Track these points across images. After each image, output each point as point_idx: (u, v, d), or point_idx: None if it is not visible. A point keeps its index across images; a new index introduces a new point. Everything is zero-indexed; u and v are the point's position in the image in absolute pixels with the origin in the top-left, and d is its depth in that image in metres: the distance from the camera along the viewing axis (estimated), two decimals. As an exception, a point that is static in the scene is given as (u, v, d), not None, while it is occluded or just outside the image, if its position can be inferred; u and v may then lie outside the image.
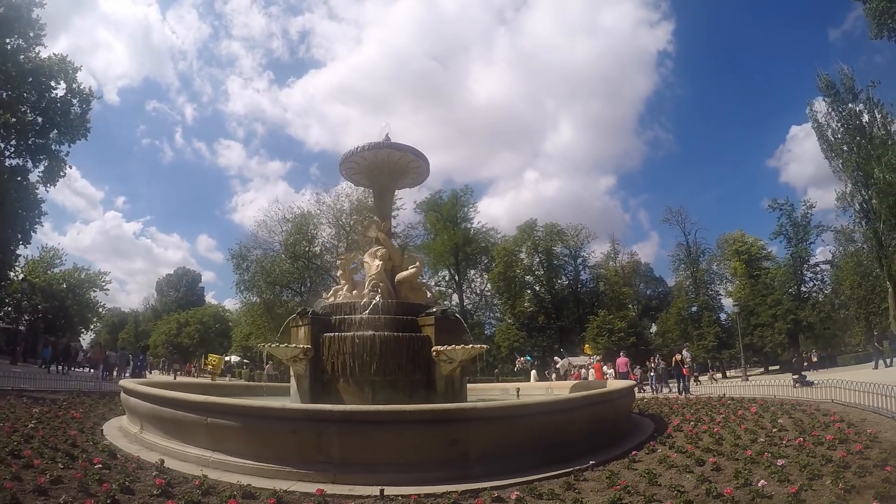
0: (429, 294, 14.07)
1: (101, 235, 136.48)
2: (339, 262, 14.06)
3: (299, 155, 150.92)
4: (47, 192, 28.70)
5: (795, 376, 21.17)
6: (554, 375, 33.31)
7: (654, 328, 59.73)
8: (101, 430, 9.43)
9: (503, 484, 6.36)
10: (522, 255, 58.47)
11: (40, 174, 27.76)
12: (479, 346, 11.23)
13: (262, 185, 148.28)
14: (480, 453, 7.09)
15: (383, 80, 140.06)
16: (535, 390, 17.23)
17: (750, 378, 31.47)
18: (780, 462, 7.02)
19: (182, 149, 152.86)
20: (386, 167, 13.60)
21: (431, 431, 7.02)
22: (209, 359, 31.05)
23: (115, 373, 26.94)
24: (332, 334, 10.71)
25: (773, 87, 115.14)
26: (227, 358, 51.92)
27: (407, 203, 49.35)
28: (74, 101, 28.06)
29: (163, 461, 6.63)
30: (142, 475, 6.29)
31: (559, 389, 16.20)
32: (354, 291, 12.99)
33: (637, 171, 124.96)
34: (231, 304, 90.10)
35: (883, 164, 35.83)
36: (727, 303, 56.02)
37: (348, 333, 10.65)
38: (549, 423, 8.06)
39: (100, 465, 6.45)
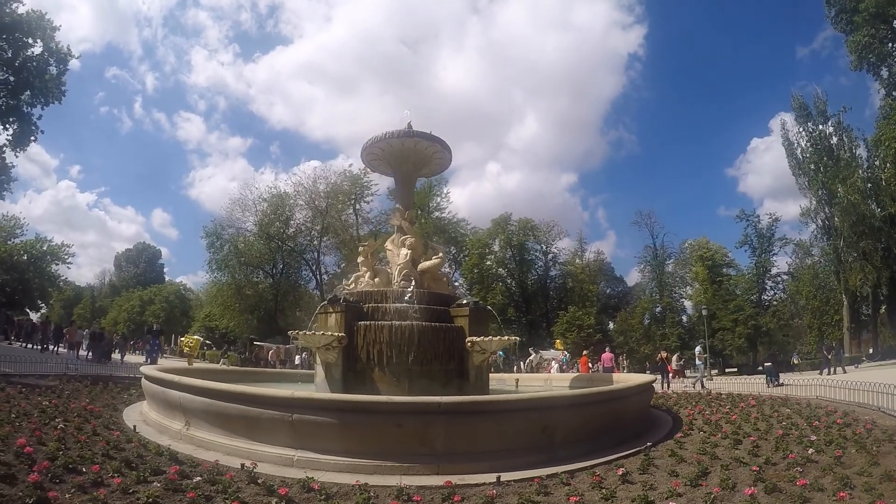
0: (449, 284, 14.12)
1: (54, 206, 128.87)
2: (361, 248, 13.89)
3: (261, 132, 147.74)
4: (16, 156, 27.16)
5: (771, 375, 22.11)
6: (515, 368, 33.58)
7: (611, 325, 61.30)
8: (133, 426, 8.37)
9: (591, 464, 6.88)
10: (496, 248, 58.93)
11: (9, 138, 26.20)
12: (512, 337, 11.54)
13: (220, 161, 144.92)
14: (563, 438, 7.55)
15: (351, 60, 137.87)
16: (533, 381, 17.54)
17: (713, 379, 32.83)
18: (812, 437, 8.24)
19: (141, 119, 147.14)
20: (412, 156, 13.51)
21: (527, 419, 7.36)
22: (185, 340, 29.56)
23: (113, 355, 25.72)
24: (367, 322, 10.66)
25: (738, 98, 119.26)
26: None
27: (381, 188, 48.70)
28: (52, 60, 26.48)
29: (255, 465, 6.05)
30: (242, 486, 5.59)
31: (558, 382, 16.62)
32: (377, 279, 12.88)
33: (598, 170, 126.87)
34: (189, 281, 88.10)
35: (848, 184, 38.07)
36: (687, 305, 58.27)
37: (385, 322, 10.62)
38: (612, 410, 8.79)
39: (196, 480, 5.62)
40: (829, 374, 26.23)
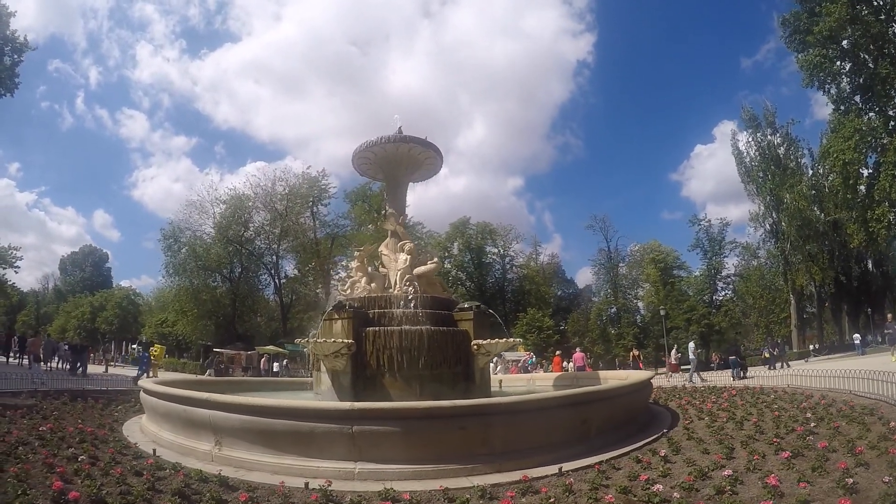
0: (443, 289, 14.22)
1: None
2: (356, 253, 13.84)
3: (206, 131, 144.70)
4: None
5: (737, 368, 23.11)
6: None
7: (563, 326, 62.64)
8: (153, 450, 7.52)
9: (626, 450, 7.47)
10: (455, 252, 59.31)
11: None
12: (516, 339, 11.86)
13: (164, 160, 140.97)
14: (597, 429, 8.13)
15: (299, 60, 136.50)
16: (516, 382, 17.87)
17: (673, 375, 34.11)
18: (808, 415, 9.40)
19: (83, 115, 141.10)
20: (404, 161, 13.61)
21: (571, 413, 7.81)
22: (151, 348, 28.34)
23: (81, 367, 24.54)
24: (376, 328, 10.65)
25: (683, 106, 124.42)
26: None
27: (337, 191, 49.39)
28: (6, 49, 24.95)
29: (329, 483, 5.76)
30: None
31: (541, 381, 16.92)
32: (373, 284, 12.88)
33: (545, 174, 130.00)
34: (134, 285, 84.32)
35: (795, 191, 40.81)
36: (640, 306, 60.22)
37: (395, 328, 10.64)
38: (631, 402, 9.56)
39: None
40: (780, 368, 27.67)
